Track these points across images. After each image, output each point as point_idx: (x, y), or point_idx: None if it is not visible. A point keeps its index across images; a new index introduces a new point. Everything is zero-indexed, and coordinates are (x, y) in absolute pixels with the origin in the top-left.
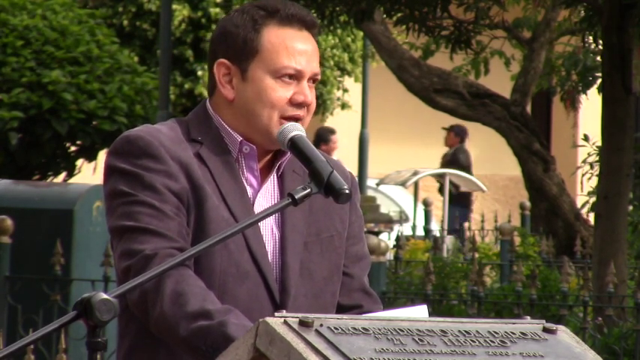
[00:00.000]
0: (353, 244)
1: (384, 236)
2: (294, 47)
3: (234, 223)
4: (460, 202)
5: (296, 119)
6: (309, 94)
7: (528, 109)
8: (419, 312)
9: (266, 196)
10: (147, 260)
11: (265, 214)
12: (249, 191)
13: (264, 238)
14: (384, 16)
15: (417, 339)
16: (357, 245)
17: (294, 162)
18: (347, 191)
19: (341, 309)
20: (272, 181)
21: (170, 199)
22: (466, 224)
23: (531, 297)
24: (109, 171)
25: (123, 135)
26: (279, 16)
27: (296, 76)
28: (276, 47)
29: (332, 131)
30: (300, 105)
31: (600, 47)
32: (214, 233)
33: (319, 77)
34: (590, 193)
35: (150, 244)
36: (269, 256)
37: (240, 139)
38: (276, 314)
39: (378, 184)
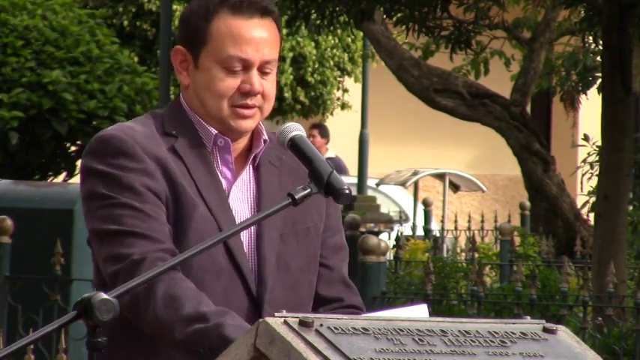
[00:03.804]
0: (331, 235)
1: (384, 236)
2: (241, 36)
3: (212, 219)
4: None
5: (247, 107)
6: (256, 82)
7: (528, 109)
8: (419, 311)
9: (241, 188)
10: (135, 265)
11: (265, 215)
12: (224, 184)
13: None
14: (384, 16)
15: (417, 339)
16: (336, 236)
17: (269, 153)
18: (347, 191)
19: (322, 301)
20: (247, 173)
21: (150, 199)
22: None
23: (531, 297)
24: (86, 173)
25: (97, 135)
26: (230, 4)
27: (244, 66)
28: (223, 36)
29: (316, 126)
30: (247, 94)
31: (600, 47)
32: (192, 230)
33: (272, 65)
34: (590, 193)
35: (137, 247)
36: (245, 249)
37: (214, 132)
38: (276, 314)
39: (378, 184)
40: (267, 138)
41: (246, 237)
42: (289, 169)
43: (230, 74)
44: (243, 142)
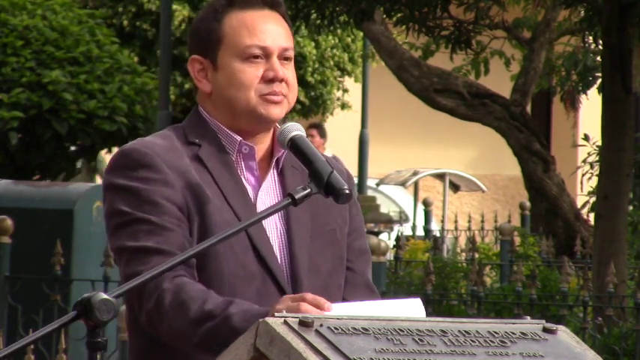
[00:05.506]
0: (356, 238)
1: (384, 236)
2: (255, 26)
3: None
4: None
5: (275, 95)
6: (279, 69)
7: (528, 109)
8: (413, 305)
9: (269, 193)
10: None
11: (265, 214)
12: (250, 191)
13: (269, 234)
14: (384, 16)
15: (417, 339)
16: (360, 240)
17: (291, 157)
18: (347, 191)
19: None
20: (272, 177)
21: (169, 210)
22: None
23: (531, 297)
24: (107, 189)
25: (118, 150)
26: (237, 1)
27: (263, 54)
28: (237, 30)
29: (314, 126)
30: (272, 81)
31: (600, 47)
32: None
33: (291, 52)
34: (590, 193)
35: (149, 263)
36: (276, 251)
37: (239, 139)
38: (276, 314)
39: (378, 184)
40: None
41: (276, 239)
42: None
43: (251, 65)
44: (265, 146)
